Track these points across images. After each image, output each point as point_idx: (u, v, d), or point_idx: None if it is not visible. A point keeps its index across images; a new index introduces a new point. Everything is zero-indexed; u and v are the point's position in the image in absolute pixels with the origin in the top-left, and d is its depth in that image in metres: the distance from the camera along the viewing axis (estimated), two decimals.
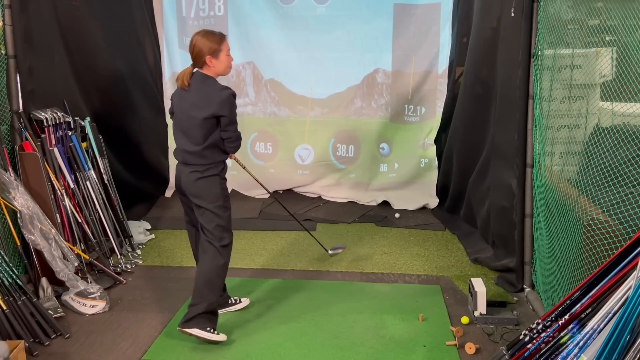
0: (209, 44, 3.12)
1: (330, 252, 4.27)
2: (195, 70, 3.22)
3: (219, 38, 3.16)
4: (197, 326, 3.19)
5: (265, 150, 6.31)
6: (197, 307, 3.19)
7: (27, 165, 3.90)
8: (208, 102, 3.12)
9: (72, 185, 4.25)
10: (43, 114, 4.09)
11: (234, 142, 3.26)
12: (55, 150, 4.14)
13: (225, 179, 3.32)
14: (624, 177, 2.54)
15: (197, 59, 3.15)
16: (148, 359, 3.15)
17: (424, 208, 5.81)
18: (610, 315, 2.25)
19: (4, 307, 3.28)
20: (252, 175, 3.73)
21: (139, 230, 5.09)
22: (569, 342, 2.42)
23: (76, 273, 3.84)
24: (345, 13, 5.87)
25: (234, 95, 3.16)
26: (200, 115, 3.13)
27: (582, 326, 2.39)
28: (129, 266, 4.40)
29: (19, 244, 3.78)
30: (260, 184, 3.90)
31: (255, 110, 6.24)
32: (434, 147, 5.91)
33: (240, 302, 3.71)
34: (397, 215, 5.22)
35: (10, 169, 3.79)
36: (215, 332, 3.25)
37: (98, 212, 4.43)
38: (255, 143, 6.33)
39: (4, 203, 3.69)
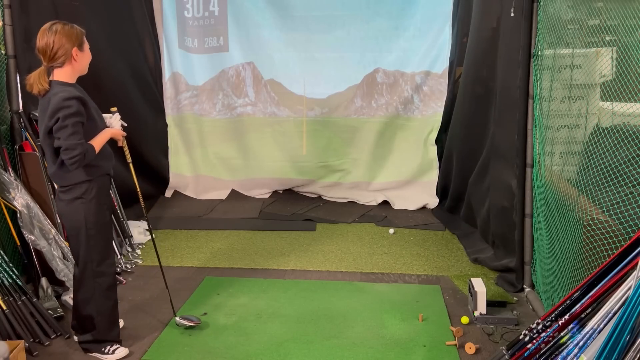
0: (74, 33, 2.76)
1: (178, 319, 3.45)
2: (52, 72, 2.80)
3: (81, 30, 2.83)
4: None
5: (265, 150, 6.30)
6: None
7: (27, 165, 3.91)
8: (46, 113, 2.72)
9: None
10: None
11: (67, 153, 2.67)
12: None
13: (93, 201, 2.88)
14: (624, 177, 2.54)
15: (58, 54, 2.73)
16: (148, 359, 3.15)
17: (424, 208, 5.82)
18: (610, 315, 2.25)
19: (4, 307, 3.28)
20: (133, 176, 3.29)
21: (139, 230, 5.09)
22: (569, 342, 2.42)
23: None
24: (345, 13, 5.87)
25: (72, 98, 2.69)
26: (41, 128, 2.77)
27: (582, 326, 2.39)
28: (129, 266, 4.40)
29: (19, 244, 3.78)
30: (138, 191, 3.41)
31: (255, 111, 6.24)
32: (434, 147, 5.92)
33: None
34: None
35: (10, 169, 3.79)
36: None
37: None
38: (255, 143, 6.32)
39: (4, 203, 3.69)
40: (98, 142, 2.83)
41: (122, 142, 3.07)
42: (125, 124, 3.09)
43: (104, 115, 3.08)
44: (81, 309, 3.08)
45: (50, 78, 2.80)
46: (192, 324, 3.41)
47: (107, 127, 3.02)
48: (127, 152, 3.14)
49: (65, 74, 2.81)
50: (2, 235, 3.67)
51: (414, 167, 5.99)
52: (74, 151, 2.67)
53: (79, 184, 2.85)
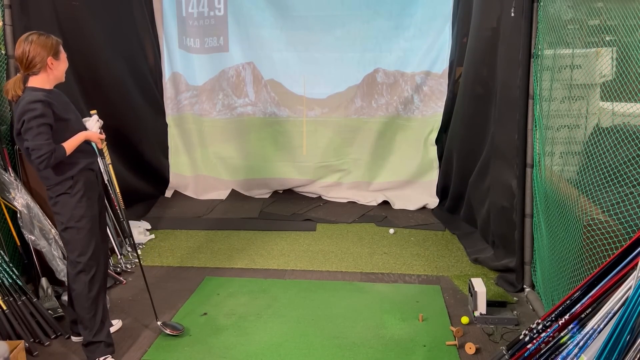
0: (49, 43, 2.84)
1: (159, 324, 3.45)
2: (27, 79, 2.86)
3: (57, 40, 2.91)
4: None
5: (265, 150, 6.30)
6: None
7: (27, 165, 3.90)
8: (15, 118, 2.80)
9: None
10: None
11: (34, 153, 2.72)
12: None
13: (79, 195, 2.93)
14: (624, 177, 2.54)
15: (33, 63, 2.81)
16: (148, 359, 3.15)
17: (424, 208, 5.82)
18: (610, 315, 2.25)
19: (4, 307, 3.28)
20: (113, 178, 3.37)
21: (139, 230, 5.09)
22: (569, 342, 2.42)
23: None
24: (345, 13, 5.88)
25: (36, 101, 2.74)
26: (15, 133, 2.84)
27: (582, 326, 2.39)
28: (129, 266, 4.40)
29: (19, 244, 3.78)
30: (118, 192, 3.46)
31: (255, 111, 6.25)
32: (434, 147, 5.92)
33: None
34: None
35: (10, 169, 3.79)
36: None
37: None
38: (255, 143, 6.32)
39: (4, 203, 3.69)
40: (70, 144, 2.88)
41: (101, 145, 3.13)
42: (101, 124, 3.13)
43: (84, 118, 3.12)
44: (74, 306, 3.09)
45: (27, 85, 2.88)
46: (171, 333, 3.37)
47: (85, 128, 3.07)
48: (106, 154, 3.22)
49: (40, 81, 2.88)
50: (2, 235, 3.67)
51: (414, 167, 5.99)
52: (40, 151, 2.73)
53: (62, 182, 2.92)
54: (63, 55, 2.95)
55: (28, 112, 2.74)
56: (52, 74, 2.89)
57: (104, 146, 3.16)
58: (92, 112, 3.15)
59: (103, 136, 3.09)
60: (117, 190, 3.46)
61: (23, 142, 2.80)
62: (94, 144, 3.08)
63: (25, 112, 2.75)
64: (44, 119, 2.76)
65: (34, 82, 2.87)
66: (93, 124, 3.08)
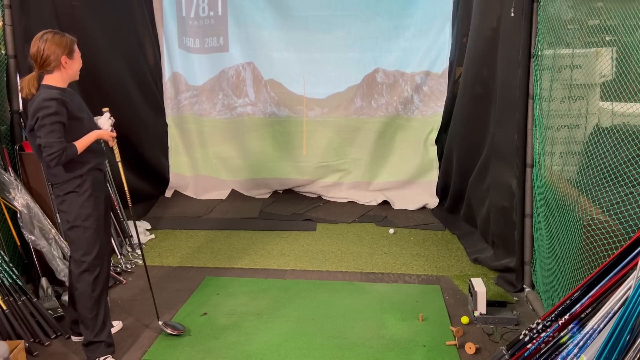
0: (64, 42, 2.88)
1: (161, 324, 3.43)
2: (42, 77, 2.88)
3: (71, 38, 2.95)
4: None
5: (265, 150, 6.30)
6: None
7: (27, 165, 3.91)
8: (29, 114, 2.81)
9: None
10: None
11: (46, 150, 2.74)
12: None
13: (87, 194, 2.93)
14: (624, 177, 2.54)
15: (48, 61, 2.84)
16: (148, 359, 3.15)
17: (424, 208, 5.82)
18: (610, 315, 2.25)
19: (4, 307, 3.28)
20: (122, 176, 3.39)
21: (139, 230, 5.09)
22: (569, 342, 2.42)
23: None
24: (345, 13, 5.88)
25: (51, 99, 2.76)
26: (28, 129, 2.86)
27: (582, 326, 2.39)
28: (129, 266, 4.40)
29: (19, 244, 3.78)
30: (126, 190, 3.44)
31: (255, 111, 6.25)
32: (434, 147, 5.93)
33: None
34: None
35: (10, 169, 3.79)
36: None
37: None
38: (255, 143, 6.32)
39: (4, 203, 3.69)
40: (82, 142, 2.89)
41: (112, 143, 3.14)
42: (113, 121, 3.14)
43: (95, 117, 3.12)
44: (76, 306, 3.08)
45: (41, 83, 2.89)
46: (172, 333, 3.37)
47: (97, 128, 3.07)
48: (116, 152, 3.22)
49: (54, 80, 2.90)
50: (2, 235, 3.67)
51: (414, 167, 5.99)
52: (52, 148, 2.74)
53: (70, 180, 2.92)
54: (77, 54, 2.97)
55: (42, 110, 2.76)
56: (66, 72, 2.92)
57: (114, 144, 3.16)
58: (104, 109, 3.15)
59: (114, 134, 3.10)
60: (126, 189, 3.44)
61: (35, 138, 2.81)
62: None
63: (39, 109, 2.76)
64: (57, 117, 2.77)
65: (49, 80, 2.88)
66: (105, 121, 3.10)
